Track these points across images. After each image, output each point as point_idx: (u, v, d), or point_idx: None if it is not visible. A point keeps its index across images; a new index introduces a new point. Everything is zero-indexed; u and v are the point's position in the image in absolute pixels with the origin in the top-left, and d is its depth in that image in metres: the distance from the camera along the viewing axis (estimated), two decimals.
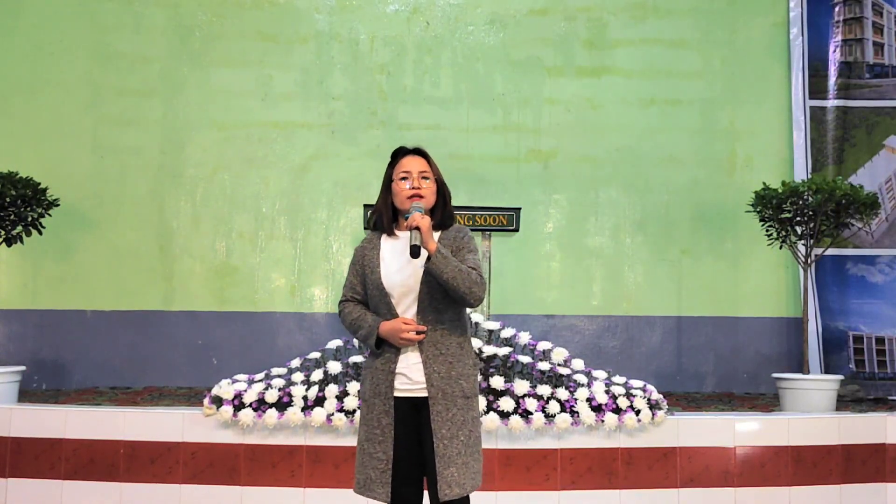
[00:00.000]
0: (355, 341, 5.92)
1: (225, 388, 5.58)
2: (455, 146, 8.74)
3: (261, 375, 5.80)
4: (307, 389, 5.54)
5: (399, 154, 3.75)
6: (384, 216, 3.71)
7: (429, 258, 3.44)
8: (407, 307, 3.57)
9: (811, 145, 8.85)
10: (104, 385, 8.27)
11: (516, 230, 6.94)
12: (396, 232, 3.69)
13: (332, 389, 5.52)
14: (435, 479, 3.45)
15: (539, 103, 8.94)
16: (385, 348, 3.59)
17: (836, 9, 9.02)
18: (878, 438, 5.99)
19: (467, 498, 3.53)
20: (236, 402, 5.53)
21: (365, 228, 7.02)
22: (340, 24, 8.96)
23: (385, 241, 3.70)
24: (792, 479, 5.72)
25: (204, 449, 5.53)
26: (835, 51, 8.98)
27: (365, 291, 3.70)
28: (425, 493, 3.60)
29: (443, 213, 3.70)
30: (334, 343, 5.98)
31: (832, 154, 8.82)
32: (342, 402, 5.47)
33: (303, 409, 5.49)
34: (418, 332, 3.52)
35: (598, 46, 9.02)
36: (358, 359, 5.71)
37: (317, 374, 5.63)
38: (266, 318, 8.58)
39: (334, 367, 5.65)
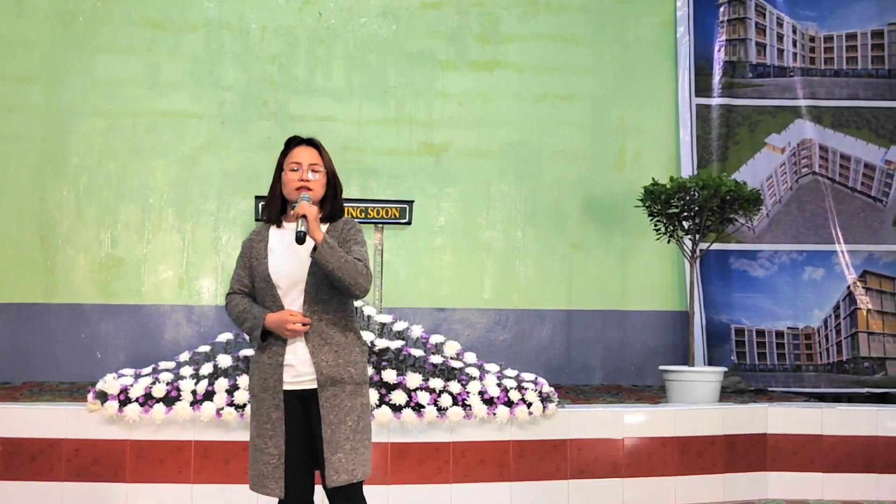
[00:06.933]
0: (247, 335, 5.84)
1: (110, 383, 5.43)
2: (347, 138, 8.68)
3: (148, 370, 5.68)
4: (196, 384, 5.44)
5: (291, 143, 3.70)
6: (273, 206, 3.68)
7: (315, 248, 3.41)
8: (293, 299, 3.54)
9: (697, 142, 9.06)
10: None
11: (409, 223, 6.92)
12: (284, 223, 3.66)
13: (221, 383, 5.43)
14: (324, 467, 3.42)
15: (431, 96, 8.95)
16: (271, 341, 3.55)
17: (721, 9, 9.25)
18: (759, 429, 6.19)
19: (360, 490, 3.50)
20: (122, 397, 5.39)
21: (257, 220, 6.93)
22: (231, 12, 8.81)
23: (273, 233, 3.67)
24: (678, 468, 5.86)
25: (88, 445, 5.38)
26: (719, 50, 9.21)
27: (253, 284, 3.69)
28: (318, 487, 3.54)
29: (332, 205, 3.66)
30: (224, 336, 5.87)
31: (717, 151, 9.04)
32: (232, 397, 5.39)
33: (192, 404, 5.38)
34: (304, 324, 3.49)
35: (490, 41, 9.07)
36: (249, 352, 5.63)
37: (206, 368, 5.54)
38: (153, 311, 8.40)
39: (224, 360, 5.56)
